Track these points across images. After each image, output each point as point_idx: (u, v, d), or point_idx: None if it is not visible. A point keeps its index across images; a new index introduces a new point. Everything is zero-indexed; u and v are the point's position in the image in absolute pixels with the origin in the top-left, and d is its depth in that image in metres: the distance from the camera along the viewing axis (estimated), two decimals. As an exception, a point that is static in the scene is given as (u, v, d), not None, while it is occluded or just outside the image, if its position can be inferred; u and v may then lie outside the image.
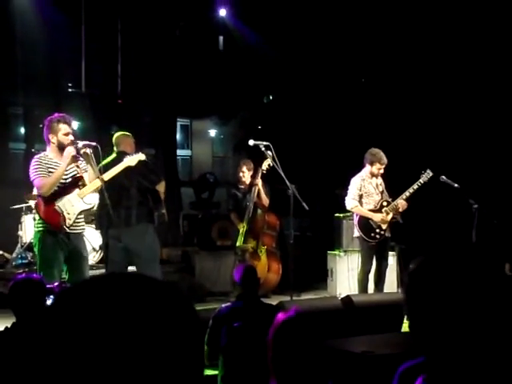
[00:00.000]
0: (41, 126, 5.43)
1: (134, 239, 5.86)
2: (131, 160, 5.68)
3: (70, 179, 5.29)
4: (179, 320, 0.88)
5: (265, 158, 7.13)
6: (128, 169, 5.79)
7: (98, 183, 5.30)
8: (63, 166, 5.18)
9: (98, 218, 6.17)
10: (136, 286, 0.89)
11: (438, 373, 1.41)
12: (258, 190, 7.45)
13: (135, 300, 0.86)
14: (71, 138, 5.23)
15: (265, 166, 7.24)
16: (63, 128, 5.19)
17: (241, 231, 7.60)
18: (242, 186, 7.78)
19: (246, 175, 7.68)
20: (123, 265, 5.93)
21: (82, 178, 5.34)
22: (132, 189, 5.91)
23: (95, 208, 6.15)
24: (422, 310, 1.42)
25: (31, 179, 5.22)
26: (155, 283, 0.90)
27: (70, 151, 5.16)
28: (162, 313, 0.86)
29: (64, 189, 5.25)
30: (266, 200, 7.51)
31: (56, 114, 5.31)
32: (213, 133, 13.76)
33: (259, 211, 7.56)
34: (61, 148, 5.23)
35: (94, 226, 7.94)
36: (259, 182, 7.42)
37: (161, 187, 6.08)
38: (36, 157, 5.34)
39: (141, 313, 0.85)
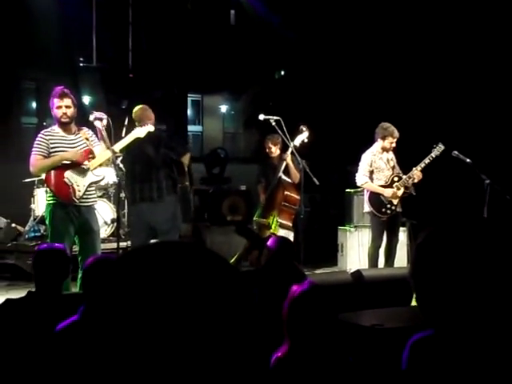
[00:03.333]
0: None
1: (161, 211, 5.99)
2: (140, 131, 5.70)
3: (79, 151, 5.31)
4: (227, 281, 0.92)
5: (300, 132, 7.03)
6: (155, 143, 5.93)
7: (108, 154, 5.32)
8: (62, 157, 5.21)
9: (132, 192, 6.25)
10: (188, 252, 0.93)
11: (445, 345, 1.41)
12: (287, 165, 7.18)
13: (190, 264, 0.90)
14: (64, 111, 5.22)
15: (298, 141, 6.98)
16: (55, 102, 5.21)
17: (261, 204, 7.53)
18: (273, 160, 7.63)
19: (272, 150, 7.48)
20: (147, 240, 6.06)
21: (91, 150, 5.35)
22: (160, 163, 6.02)
23: (106, 181, 6.23)
24: (429, 282, 1.41)
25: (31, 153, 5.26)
26: (202, 249, 0.95)
27: (77, 155, 5.22)
28: (210, 274, 0.90)
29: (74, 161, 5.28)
30: (296, 175, 7.19)
31: (55, 89, 5.28)
32: (224, 108, 13.73)
33: (281, 186, 7.35)
34: (59, 122, 5.25)
35: (105, 199, 8.00)
36: (288, 157, 7.12)
37: (185, 159, 6.18)
38: (42, 132, 5.35)
39: (194, 274, 0.89)
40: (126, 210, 8.51)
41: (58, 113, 5.21)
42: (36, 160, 5.21)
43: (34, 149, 5.22)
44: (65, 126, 5.25)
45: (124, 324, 0.86)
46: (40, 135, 5.27)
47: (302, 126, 7.08)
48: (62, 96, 5.19)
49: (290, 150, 7.05)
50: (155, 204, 5.99)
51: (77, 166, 5.29)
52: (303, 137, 7.04)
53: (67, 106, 5.21)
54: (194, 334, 0.86)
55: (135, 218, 6.22)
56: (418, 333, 1.53)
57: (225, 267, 0.92)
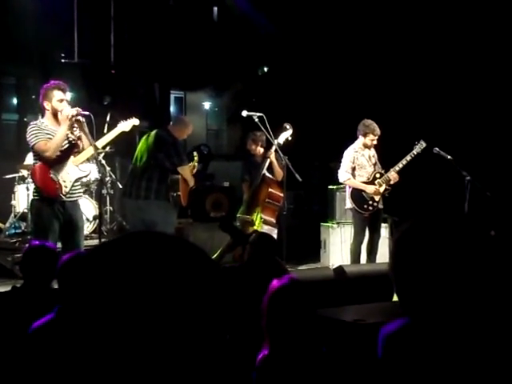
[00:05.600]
0: (33, 96, 5.42)
1: (148, 211, 6.00)
2: (125, 125, 5.76)
3: (65, 146, 5.28)
4: (205, 273, 0.89)
5: (284, 130, 7.04)
6: (156, 145, 6.02)
7: (91, 151, 5.31)
8: (64, 128, 5.15)
9: (124, 184, 6.44)
10: (164, 242, 0.90)
11: (422, 335, 1.43)
12: (271, 162, 7.16)
13: (164, 254, 0.87)
14: (65, 104, 5.21)
15: (282, 139, 7.00)
16: (57, 94, 5.19)
17: (244, 201, 7.53)
18: (256, 158, 7.61)
19: (253, 148, 7.51)
20: None
21: (77, 145, 5.33)
22: (155, 165, 6.04)
23: (88, 178, 6.21)
24: (408, 274, 1.43)
25: (31, 145, 5.17)
26: (178, 240, 0.91)
27: (69, 112, 5.13)
28: (187, 266, 0.87)
29: (59, 156, 5.23)
30: (279, 173, 7.19)
31: (51, 82, 5.29)
32: (207, 105, 13.69)
33: (264, 183, 7.34)
34: (55, 115, 5.22)
35: (87, 196, 7.95)
36: (272, 154, 7.11)
37: (183, 171, 6.17)
38: (32, 123, 5.32)
39: (168, 265, 0.86)
40: (108, 207, 8.47)
41: (59, 106, 5.18)
42: (45, 144, 5.12)
43: (33, 138, 5.12)
44: (57, 120, 5.22)
45: (99, 321, 0.83)
46: (33, 125, 5.22)
47: (285, 124, 7.09)
48: (65, 90, 5.22)
49: (273, 147, 7.06)
50: (140, 203, 6.00)
51: (62, 162, 5.25)
52: (287, 134, 7.05)
53: (67, 101, 5.24)
54: (171, 328, 0.83)
55: (128, 214, 6.34)
56: (390, 323, 1.53)
57: (203, 259, 0.90)
